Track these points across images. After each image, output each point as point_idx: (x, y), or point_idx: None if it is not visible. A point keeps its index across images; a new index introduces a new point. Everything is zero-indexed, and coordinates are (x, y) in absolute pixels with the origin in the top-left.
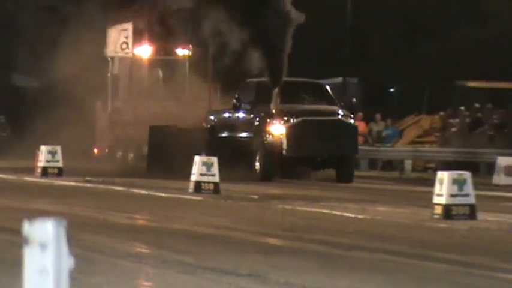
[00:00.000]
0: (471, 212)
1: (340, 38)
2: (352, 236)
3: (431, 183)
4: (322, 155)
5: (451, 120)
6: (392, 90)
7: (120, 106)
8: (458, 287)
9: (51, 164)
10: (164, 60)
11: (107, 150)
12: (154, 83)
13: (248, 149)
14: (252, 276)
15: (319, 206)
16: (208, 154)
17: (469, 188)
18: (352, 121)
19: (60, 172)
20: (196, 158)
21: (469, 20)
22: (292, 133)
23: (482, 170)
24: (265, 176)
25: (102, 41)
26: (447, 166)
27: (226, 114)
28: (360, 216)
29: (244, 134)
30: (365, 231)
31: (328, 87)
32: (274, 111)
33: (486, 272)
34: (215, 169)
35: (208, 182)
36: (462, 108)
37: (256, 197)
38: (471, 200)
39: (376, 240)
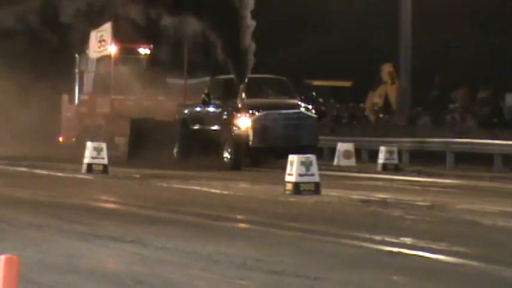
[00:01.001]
0: (316, 189)
1: None
2: (218, 208)
3: (283, 165)
4: (285, 146)
5: None
6: None
7: (86, 99)
8: (306, 251)
9: None
10: (127, 58)
11: (74, 139)
12: (118, 78)
13: (217, 141)
14: (135, 242)
15: (191, 183)
16: (180, 145)
17: (314, 169)
18: (312, 113)
19: None
20: (88, 144)
21: (316, 28)
22: (257, 126)
23: (325, 154)
24: (235, 166)
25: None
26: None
27: (197, 108)
28: (224, 192)
29: (213, 127)
30: (229, 205)
31: (289, 83)
32: (240, 105)
33: (329, 238)
34: (104, 153)
35: (98, 164)
36: None
37: (138, 176)
38: (316, 178)
39: (238, 212)
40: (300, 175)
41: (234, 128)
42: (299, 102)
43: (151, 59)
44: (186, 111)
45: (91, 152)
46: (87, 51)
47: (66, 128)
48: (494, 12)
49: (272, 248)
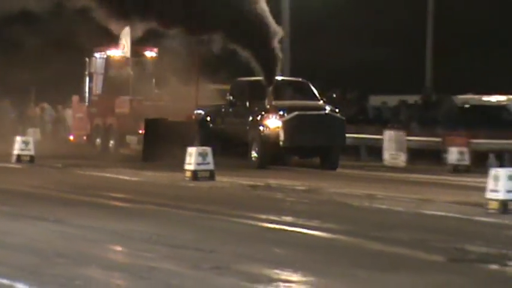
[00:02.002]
0: (211, 175)
1: None
2: (127, 192)
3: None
4: (315, 145)
5: None
6: None
7: (96, 100)
8: (203, 228)
9: None
10: (134, 60)
11: (85, 138)
12: (126, 80)
13: (243, 140)
14: (57, 222)
15: (106, 171)
16: (202, 144)
17: (209, 159)
18: (339, 115)
19: None
20: (18, 138)
21: None
22: (288, 126)
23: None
24: (262, 164)
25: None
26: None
27: (219, 109)
28: (133, 179)
29: (238, 127)
30: (137, 189)
31: (311, 85)
32: (269, 106)
33: (222, 217)
34: (31, 145)
35: (25, 155)
36: None
37: (60, 165)
38: (211, 167)
39: (144, 195)
40: (198, 164)
41: (263, 128)
42: (324, 104)
43: (157, 61)
44: (205, 112)
45: (20, 145)
46: (96, 54)
47: (77, 127)
48: (367, 27)
49: (174, 225)
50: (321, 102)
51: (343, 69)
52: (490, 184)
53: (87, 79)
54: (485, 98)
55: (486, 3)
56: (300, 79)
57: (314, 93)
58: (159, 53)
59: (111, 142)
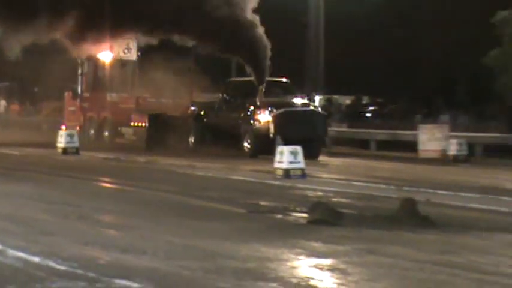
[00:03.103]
0: (76, 151)
1: None
2: (15, 164)
3: None
4: (300, 137)
5: None
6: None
7: (88, 96)
8: (71, 188)
9: None
10: (120, 62)
11: (77, 128)
12: (113, 79)
13: (235, 133)
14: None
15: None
16: (196, 136)
17: (75, 139)
18: (321, 111)
19: None
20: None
21: None
22: (277, 120)
23: None
24: (254, 154)
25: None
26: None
27: (213, 105)
28: (16, 153)
29: (231, 121)
30: (22, 161)
31: (292, 84)
32: (259, 103)
33: (86, 180)
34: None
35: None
36: None
37: None
38: (76, 145)
39: (27, 165)
40: (67, 142)
41: (255, 122)
42: (307, 101)
43: (139, 63)
44: (199, 107)
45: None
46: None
47: (69, 119)
48: None
49: (52, 188)
50: (305, 100)
51: None
52: (277, 157)
53: (79, 78)
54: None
55: None
56: (284, 79)
57: (294, 92)
58: (140, 57)
59: (106, 133)
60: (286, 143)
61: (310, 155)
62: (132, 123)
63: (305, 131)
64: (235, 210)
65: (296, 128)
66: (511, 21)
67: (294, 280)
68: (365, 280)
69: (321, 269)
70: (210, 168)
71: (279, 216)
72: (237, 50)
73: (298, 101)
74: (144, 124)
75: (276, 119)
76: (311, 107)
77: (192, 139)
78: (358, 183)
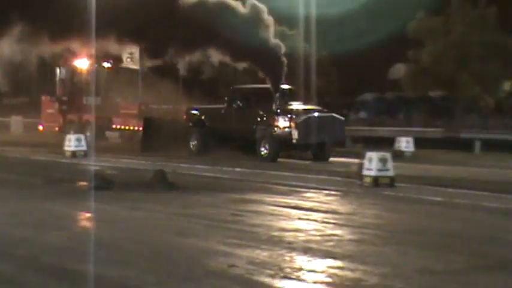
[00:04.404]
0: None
1: None
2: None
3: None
4: (321, 142)
5: None
6: None
7: (66, 99)
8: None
9: None
10: (95, 69)
11: (57, 129)
12: (88, 84)
13: (248, 139)
14: None
15: None
16: (199, 140)
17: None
18: (340, 116)
19: None
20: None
21: None
22: (302, 126)
23: None
24: (273, 159)
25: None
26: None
27: (219, 111)
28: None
29: (240, 127)
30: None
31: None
32: (279, 110)
33: None
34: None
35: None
36: None
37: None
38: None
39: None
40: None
41: (275, 128)
42: (320, 107)
43: (113, 70)
44: (200, 112)
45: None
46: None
47: (47, 120)
48: None
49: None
50: (317, 106)
51: None
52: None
53: (57, 83)
54: None
55: None
56: (290, 86)
57: (296, 98)
58: (113, 64)
59: (88, 135)
60: (308, 147)
61: (322, 157)
62: (114, 126)
63: (327, 135)
64: (31, 181)
65: (319, 134)
66: None
67: (77, 230)
68: (128, 228)
69: (97, 221)
70: (17, 151)
71: (66, 184)
72: (263, 66)
73: (312, 106)
74: (127, 127)
75: (301, 126)
76: (331, 113)
77: (193, 143)
78: (125, 160)
